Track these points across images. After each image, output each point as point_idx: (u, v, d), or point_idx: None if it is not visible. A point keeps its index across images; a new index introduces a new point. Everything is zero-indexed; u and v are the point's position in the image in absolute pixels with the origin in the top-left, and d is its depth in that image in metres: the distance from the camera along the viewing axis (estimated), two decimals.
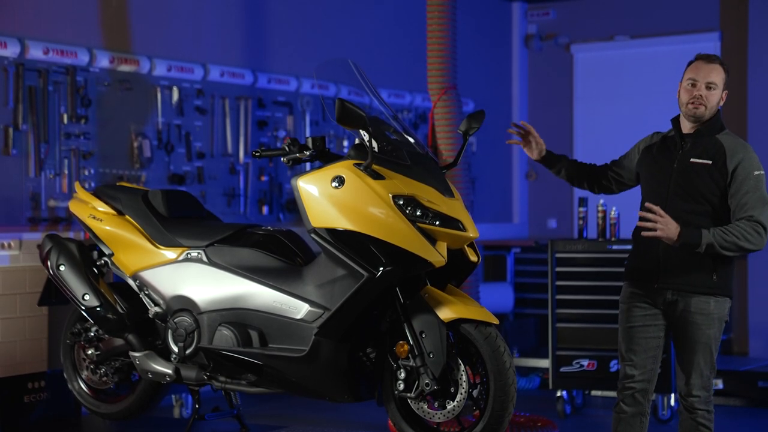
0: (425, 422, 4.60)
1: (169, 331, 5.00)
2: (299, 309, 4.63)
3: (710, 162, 4.16)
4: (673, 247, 4.13)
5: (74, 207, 5.39)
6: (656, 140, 4.38)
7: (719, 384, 6.87)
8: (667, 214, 4.06)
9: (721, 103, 4.24)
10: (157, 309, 5.06)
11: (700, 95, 4.18)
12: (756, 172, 4.14)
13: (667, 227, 4.04)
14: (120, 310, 5.13)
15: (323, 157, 4.67)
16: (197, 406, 5.19)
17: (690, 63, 4.28)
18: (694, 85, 4.19)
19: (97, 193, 5.37)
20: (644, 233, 4.08)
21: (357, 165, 4.50)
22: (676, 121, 4.32)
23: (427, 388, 4.42)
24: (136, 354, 5.12)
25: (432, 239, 4.43)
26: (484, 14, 9.67)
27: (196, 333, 4.91)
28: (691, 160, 4.19)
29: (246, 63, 7.43)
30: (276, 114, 7.61)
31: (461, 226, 4.47)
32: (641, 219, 4.08)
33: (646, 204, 4.12)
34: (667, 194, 4.21)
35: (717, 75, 4.19)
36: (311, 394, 4.77)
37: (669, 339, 4.34)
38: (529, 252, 8.81)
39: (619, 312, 4.35)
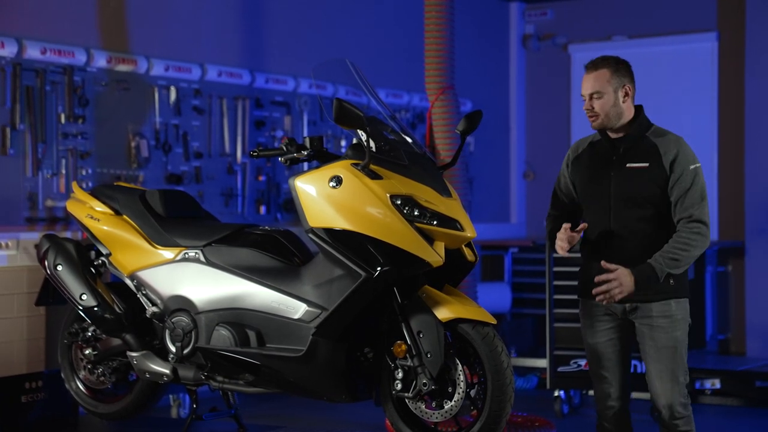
0: (423, 422, 4.60)
1: (167, 330, 5.00)
2: (297, 309, 4.63)
3: (647, 164, 4.10)
4: (623, 260, 4.05)
5: (72, 207, 5.39)
6: (583, 147, 4.30)
7: (717, 384, 6.88)
8: (617, 267, 4.00)
9: (626, 99, 4.15)
10: (154, 309, 5.06)
11: (590, 107, 4.13)
12: (692, 167, 4.07)
13: (623, 285, 4.00)
14: (117, 310, 5.13)
15: (321, 157, 4.67)
16: (195, 406, 5.19)
17: None
18: (585, 100, 4.16)
19: (95, 193, 5.37)
20: (606, 303, 4.06)
21: (355, 165, 4.51)
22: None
23: (425, 388, 4.42)
24: (134, 354, 5.12)
25: (430, 239, 4.43)
26: (482, 14, 9.68)
27: (193, 333, 4.91)
28: (628, 165, 4.12)
29: (244, 63, 7.42)
30: (274, 114, 7.61)
31: (459, 226, 4.47)
32: (596, 290, 4.03)
33: (596, 278, 4.04)
34: (610, 204, 4.14)
35: (598, 81, 4.12)
36: (309, 394, 4.77)
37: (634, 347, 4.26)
38: (527, 252, 8.81)
39: (582, 328, 4.27)
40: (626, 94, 4.15)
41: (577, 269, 6.42)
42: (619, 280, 4.01)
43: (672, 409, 4.08)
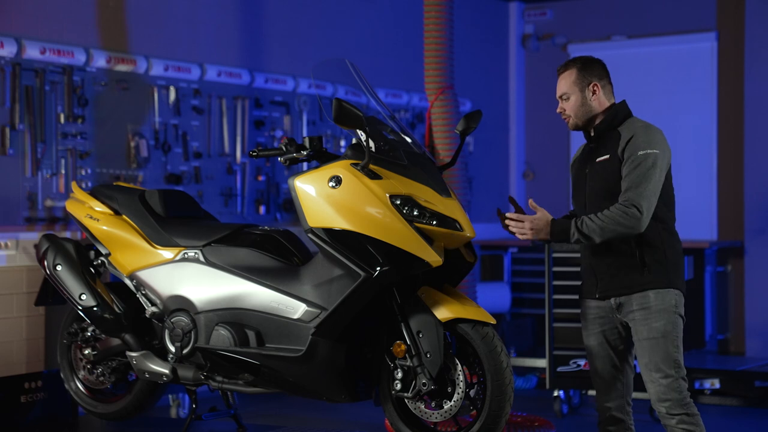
0: (422, 422, 4.60)
1: (166, 330, 5.00)
2: (296, 309, 4.63)
3: (608, 156, 4.10)
4: (600, 254, 4.08)
5: (71, 207, 5.39)
6: (581, 149, 4.34)
7: (716, 384, 6.88)
8: (540, 210, 4.07)
9: (593, 97, 4.15)
10: (154, 309, 5.06)
11: (562, 110, 4.19)
12: (641, 152, 4.00)
13: (532, 227, 4.05)
14: (117, 309, 5.13)
15: (320, 156, 4.67)
16: (194, 406, 5.19)
17: None
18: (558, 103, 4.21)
19: (94, 193, 5.37)
20: (517, 236, 4.09)
21: (354, 165, 4.50)
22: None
23: (424, 388, 4.42)
24: (133, 354, 5.11)
25: (429, 239, 4.43)
26: (481, 14, 9.68)
27: (193, 333, 4.91)
28: (597, 159, 4.14)
29: (243, 63, 7.42)
30: (273, 114, 7.61)
31: (458, 226, 4.47)
32: (508, 222, 4.11)
33: (507, 214, 4.12)
34: (584, 201, 4.18)
35: (565, 83, 4.17)
36: (308, 394, 4.77)
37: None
38: (526, 252, 8.81)
39: (581, 329, 4.29)
40: (594, 93, 4.15)
41: (574, 269, 6.51)
42: (532, 222, 4.06)
43: (663, 404, 4.01)
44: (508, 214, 4.12)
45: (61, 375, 5.51)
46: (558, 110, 4.22)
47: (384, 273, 4.37)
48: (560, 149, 9.78)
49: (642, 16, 9.39)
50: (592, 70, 4.18)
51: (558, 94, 4.21)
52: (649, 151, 4.01)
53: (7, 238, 5.70)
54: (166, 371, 5.01)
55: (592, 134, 4.21)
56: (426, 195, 4.47)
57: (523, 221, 4.08)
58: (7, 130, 6.04)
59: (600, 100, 4.17)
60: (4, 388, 5.65)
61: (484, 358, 4.40)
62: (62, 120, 6.31)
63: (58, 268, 5.19)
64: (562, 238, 4.07)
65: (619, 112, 4.17)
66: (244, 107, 7.36)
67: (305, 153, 4.65)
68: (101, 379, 5.38)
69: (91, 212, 5.26)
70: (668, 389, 4.00)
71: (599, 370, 4.20)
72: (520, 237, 4.10)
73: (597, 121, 4.17)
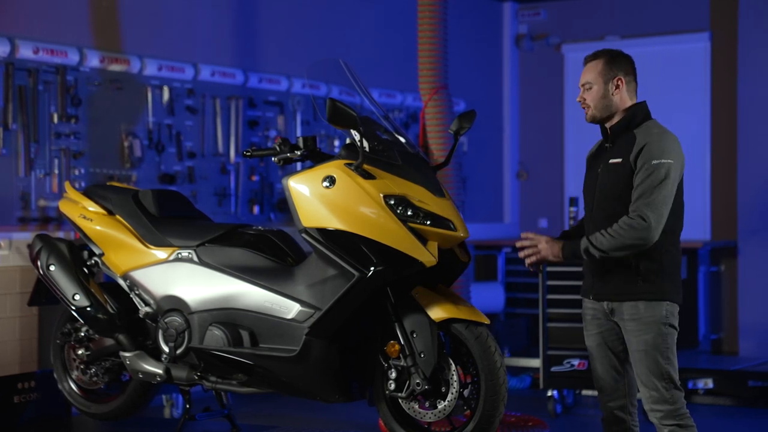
0: (416, 422, 4.60)
1: (160, 331, 5.00)
2: (290, 309, 4.63)
3: (620, 160, 4.01)
4: (597, 262, 4.02)
5: (64, 207, 5.38)
6: (597, 144, 4.25)
7: (710, 384, 6.88)
8: (540, 236, 4.07)
9: (616, 91, 4.05)
10: (147, 309, 5.06)
11: (582, 99, 4.09)
12: (654, 161, 3.93)
13: (546, 248, 4.04)
14: (110, 310, 5.13)
15: (314, 156, 4.67)
16: (188, 406, 5.18)
17: None
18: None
19: (88, 193, 5.37)
20: (527, 261, 4.09)
21: (348, 165, 4.51)
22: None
23: (418, 388, 4.43)
24: (127, 354, 5.11)
25: (423, 239, 4.43)
26: (475, 14, 9.68)
27: (186, 333, 4.91)
28: (610, 161, 4.05)
29: (237, 62, 7.42)
30: (267, 114, 7.60)
31: (452, 226, 4.47)
32: (520, 249, 4.10)
33: (522, 235, 4.13)
34: (593, 201, 4.09)
35: (589, 73, 4.07)
36: (302, 394, 4.77)
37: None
38: None
39: (583, 329, 4.23)
40: (617, 87, 4.06)
41: (568, 269, 6.51)
42: (538, 246, 4.06)
43: (655, 413, 3.98)
44: (522, 234, 4.11)
45: (55, 375, 5.51)
46: (578, 99, 4.10)
47: (378, 273, 4.37)
48: (554, 149, 9.78)
49: (635, 17, 9.40)
50: (619, 63, 4.07)
51: (581, 82, 4.09)
52: (663, 160, 3.93)
53: (0, 238, 5.69)
54: (160, 371, 5.01)
55: (609, 132, 4.10)
56: (420, 195, 4.47)
57: (535, 240, 4.06)
58: (0, 129, 6.03)
59: (622, 96, 4.07)
60: None
61: (478, 358, 4.40)
62: (55, 120, 6.30)
63: (52, 268, 5.18)
64: (572, 254, 4.01)
65: (638, 114, 4.08)
66: (238, 107, 7.35)
67: (299, 153, 4.65)
68: (95, 379, 5.38)
69: (84, 212, 5.26)
70: (659, 400, 3.96)
71: (600, 371, 4.15)
72: (528, 260, 4.07)
73: (615, 120, 4.07)
